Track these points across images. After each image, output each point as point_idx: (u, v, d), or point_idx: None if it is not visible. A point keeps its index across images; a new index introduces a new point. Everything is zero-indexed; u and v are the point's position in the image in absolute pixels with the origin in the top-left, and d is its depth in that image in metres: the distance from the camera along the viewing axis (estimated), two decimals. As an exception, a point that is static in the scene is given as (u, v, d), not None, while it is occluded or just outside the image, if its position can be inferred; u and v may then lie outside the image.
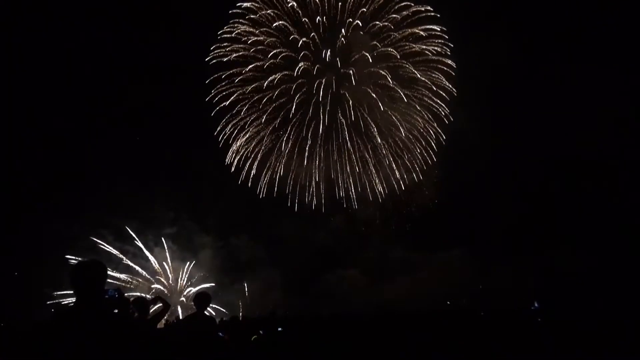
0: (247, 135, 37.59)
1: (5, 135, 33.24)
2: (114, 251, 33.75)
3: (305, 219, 38.21)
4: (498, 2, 38.77)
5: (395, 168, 38.08)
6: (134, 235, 34.13)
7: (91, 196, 33.12)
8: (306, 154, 37.73)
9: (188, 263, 35.89)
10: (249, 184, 37.63)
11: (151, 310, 6.79)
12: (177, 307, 34.38)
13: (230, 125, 37.22)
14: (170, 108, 38.37)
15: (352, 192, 38.68)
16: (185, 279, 35.72)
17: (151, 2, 37.46)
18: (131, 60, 37.65)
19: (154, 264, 34.97)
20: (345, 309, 26.98)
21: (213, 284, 35.35)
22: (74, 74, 36.44)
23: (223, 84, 36.30)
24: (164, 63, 38.83)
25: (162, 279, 35.28)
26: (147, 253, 34.81)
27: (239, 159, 37.56)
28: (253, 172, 37.71)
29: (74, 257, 31.19)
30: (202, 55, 35.96)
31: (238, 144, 37.45)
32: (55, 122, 35.70)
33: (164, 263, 35.32)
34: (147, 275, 34.75)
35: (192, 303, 7.62)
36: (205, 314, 7.73)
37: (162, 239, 35.16)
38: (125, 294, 4.45)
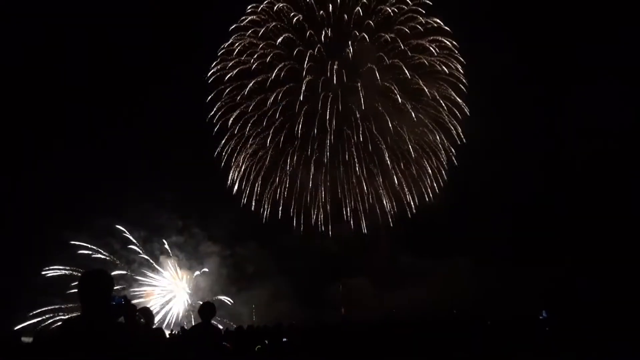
0: (249, 155, 37.05)
1: (7, 147, 33.62)
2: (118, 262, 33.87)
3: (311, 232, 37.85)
4: (511, 16, 38.43)
5: (405, 187, 37.34)
6: (134, 240, 34.07)
7: (100, 205, 33.36)
8: (311, 173, 37.01)
9: (197, 273, 35.93)
10: (252, 207, 37.03)
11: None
12: (184, 321, 34.40)
13: (231, 145, 36.83)
14: (175, 122, 38.30)
15: (360, 212, 37.83)
16: (191, 287, 35.69)
17: (155, 18, 37.81)
18: (140, 70, 37.92)
19: (161, 273, 35.07)
20: (351, 318, 26.86)
21: (231, 301, 34.92)
22: (85, 83, 36.92)
23: (224, 100, 36.14)
24: (171, 73, 38.93)
25: (169, 289, 35.30)
26: (153, 262, 34.94)
27: (240, 180, 37.02)
28: (256, 194, 37.02)
29: (55, 268, 31.43)
30: (207, 69, 36.09)
31: (240, 164, 37.01)
32: (61, 133, 36.14)
33: (170, 273, 35.37)
34: (153, 285, 34.81)
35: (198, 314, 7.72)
36: (210, 324, 7.81)
37: (167, 246, 35.31)
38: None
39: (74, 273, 31.18)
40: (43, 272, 31.28)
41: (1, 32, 33.05)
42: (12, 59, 34.49)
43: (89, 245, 32.61)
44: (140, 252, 34.42)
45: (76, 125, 36.85)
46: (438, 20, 35.90)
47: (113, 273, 32.48)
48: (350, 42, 35.93)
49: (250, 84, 35.99)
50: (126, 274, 33.76)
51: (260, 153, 37.08)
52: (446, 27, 36.04)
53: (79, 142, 36.44)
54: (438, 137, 37.03)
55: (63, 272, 31.51)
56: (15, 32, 34.75)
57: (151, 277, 34.77)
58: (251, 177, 37.06)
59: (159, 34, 38.53)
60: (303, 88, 35.60)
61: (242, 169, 37.03)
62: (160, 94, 38.08)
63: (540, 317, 17.55)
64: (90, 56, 37.74)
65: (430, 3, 36.01)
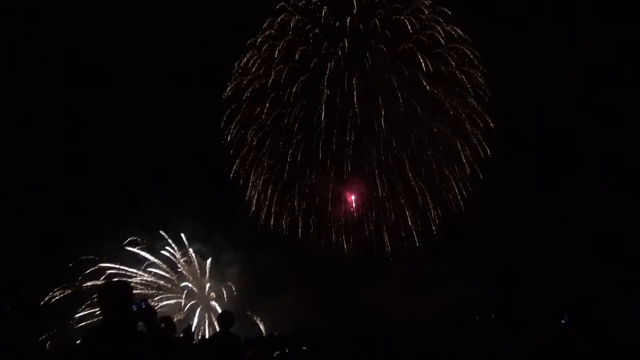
0: (267, 170, 37.07)
1: (29, 158, 34.54)
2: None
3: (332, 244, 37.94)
4: (533, 24, 38.04)
5: (429, 198, 36.67)
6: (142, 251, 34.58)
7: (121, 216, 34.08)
8: (331, 186, 36.83)
9: (222, 286, 36.33)
10: (272, 220, 37.07)
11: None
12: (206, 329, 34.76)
13: (249, 159, 36.98)
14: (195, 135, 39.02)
15: (382, 224, 37.53)
16: (212, 296, 36.06)
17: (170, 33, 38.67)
18: (161, 85, 38.73)
19: (182, 282, 35.58)
20: (374, 325, 26.77)
21: (263, 329, 34.81)
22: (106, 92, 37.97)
23: (242, 114, 36.45)
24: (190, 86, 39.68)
25: (190, 298, 35.71)
26: (172, 272, 35.44)
27: (259, 194, 37.09)
28: (274, 207, 37.04)
29: (62, 290, 32.04)
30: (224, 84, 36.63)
31: (258, 178, 37.10)
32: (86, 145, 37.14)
33: (190, 282, 35.85)
34: (173, 295, 35.30)
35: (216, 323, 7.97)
36: (230, 332, 8.08)
37: (189, 255, 35.87)
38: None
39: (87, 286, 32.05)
40: (58, 290, 31.94)
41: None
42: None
43: (111, 265, 33.23)
44: (160, 263, 35.03)
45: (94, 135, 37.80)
46: (457, 29, 35.56)
47: (135, 287, 33.23)
48: (368, 54, 35.79)
49: (268, 99, 36.19)
50: (147, 291, 34.23)
51: (278, 167, 37.08)
52: (466, 36, 35.66)
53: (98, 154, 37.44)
54: (460, 148, 36.50)
55: (80, 286, 32.28)
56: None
57: (172, 287, 35.31)
58: (269, 191, 37.13)
59: (176, 51, 39.42)
60: (322, 101, 35.59)
61: (261, 183, 37.18)
62: (180, 107, 38.94)
63: (562, 322, 17.41)
64: (110, 71, 38.70)
65: (449, 12, 35.71)
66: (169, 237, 35.40)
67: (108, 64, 38.61)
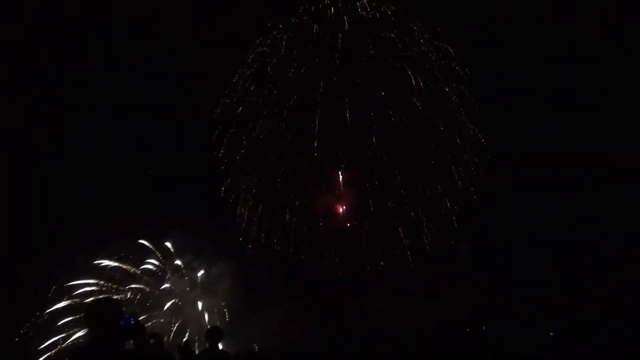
0: (257, 189, 36.79)
1: (29, 173, 34.38)
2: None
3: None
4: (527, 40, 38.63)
5: (423, 221, 36.09)
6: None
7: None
8: (322, 206, 36.45)
9: (213, 301, 36.07)
10: (262, 239, 36.51)
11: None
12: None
13: (239, 178, 36.71)
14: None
15: (376, 247, 37.25)
16: (203, 312, 35.78)
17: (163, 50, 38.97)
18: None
19: (171, 297, 35.26)
20: (365, 339, 26.69)
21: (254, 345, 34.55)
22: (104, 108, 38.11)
23: (233, 132, 36.21)
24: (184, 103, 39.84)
25: (179, 314, 35.40)
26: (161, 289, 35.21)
27: (249, 213, 36.65)
28: (265, 228, 36.54)
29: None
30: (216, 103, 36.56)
31: (250, 198, 36.67)
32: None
33: (179, 298, 35.53)
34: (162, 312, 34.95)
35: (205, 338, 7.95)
36: (218, 348, 8.07)
37: (183, 269, 35.58)
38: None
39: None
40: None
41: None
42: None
43: (97, 281, 32.81)
44: (149, 278, 34.78)
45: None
46: (448, 46, 35.71)
47: (124, 304, 32.78)
48: (359, 72, 35.56)
49: (260, 116, 35.99)
50: (135, 308, 33.88)
51: (270, 183, 36.48)
52: (455, 52, 35.77)
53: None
54: (452, 164, 36.30)
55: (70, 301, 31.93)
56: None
57: (161, 303, 34.98)
58: (260, 206, 36.67)
59: (169, 66, 39.70)
60: (315, 117, 35.14)
61: (252, 198, 36.75)
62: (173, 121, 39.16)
63: (551, 334, 17.54)
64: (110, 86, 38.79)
65: (439, 29, 35.91)
66: (158, 251, 35.24)
67: (102, 72, 38.87)
